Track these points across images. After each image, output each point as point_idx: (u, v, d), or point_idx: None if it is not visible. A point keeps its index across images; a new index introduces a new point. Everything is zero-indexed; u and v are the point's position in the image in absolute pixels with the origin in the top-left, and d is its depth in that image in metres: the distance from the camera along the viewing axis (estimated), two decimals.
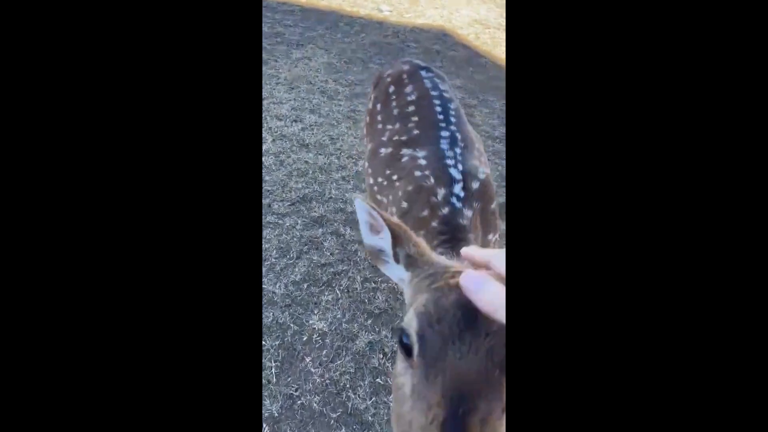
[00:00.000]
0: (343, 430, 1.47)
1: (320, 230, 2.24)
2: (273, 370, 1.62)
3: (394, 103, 1.50)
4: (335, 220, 2.31)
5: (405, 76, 1.56)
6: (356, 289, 1.95)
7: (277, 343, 1.71)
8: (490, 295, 0.40)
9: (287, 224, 2.25)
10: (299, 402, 1.53)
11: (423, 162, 1.27)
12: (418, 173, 1.25)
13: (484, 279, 0.42)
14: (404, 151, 1.33)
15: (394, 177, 1.33)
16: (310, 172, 2.64)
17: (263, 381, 1.58)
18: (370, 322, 1.82)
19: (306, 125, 3.09)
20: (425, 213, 1.18)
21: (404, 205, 1.23)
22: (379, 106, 1.57)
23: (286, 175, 2.59)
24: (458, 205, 1.18)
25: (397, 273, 0.64)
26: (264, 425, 1.45)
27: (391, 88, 1.55)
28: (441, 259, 0.61)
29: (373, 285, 1.98)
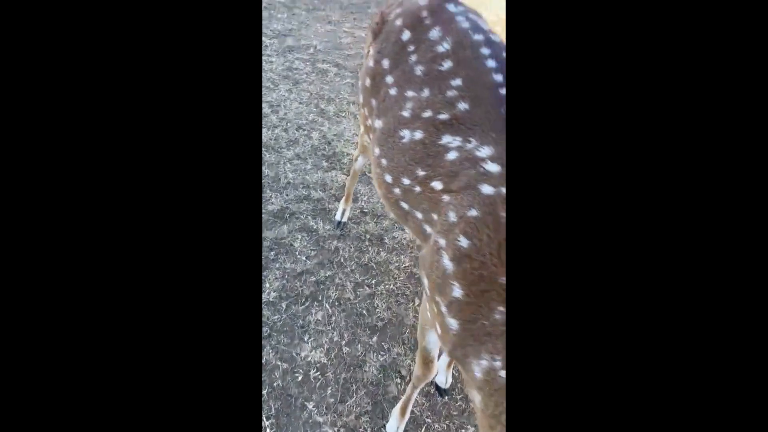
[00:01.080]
0: None
1: (285, 228, 1.78)
2: (269, 431, 1.22)
3: (413, 57, 1.03)
4: (301, 212, 1.86)
5: (425, 13, 1.07)
6: (349, 299, 1.58)
7: (265, 392, 1.30)
8: None
9: None
10: None
11: (492, 167, 0.79)
12: (488, 189, 0.77)
13: None
14: (447, 139, 0.88)
15: (437, 185, 0.87)
16: None
17: None
18: (375, 338, 1.48)
19: None
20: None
21: (462, 242, 0.76)
22: (387, 63, 1.09)
23: None
24: None
25: None
26: None
27: (406, 35, 1.07)
28: None
29: (368, 290, 1.62)
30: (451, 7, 1.08)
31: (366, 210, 1.95)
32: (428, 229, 0.94)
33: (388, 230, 1.86)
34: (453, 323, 0.77)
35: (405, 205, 1.00)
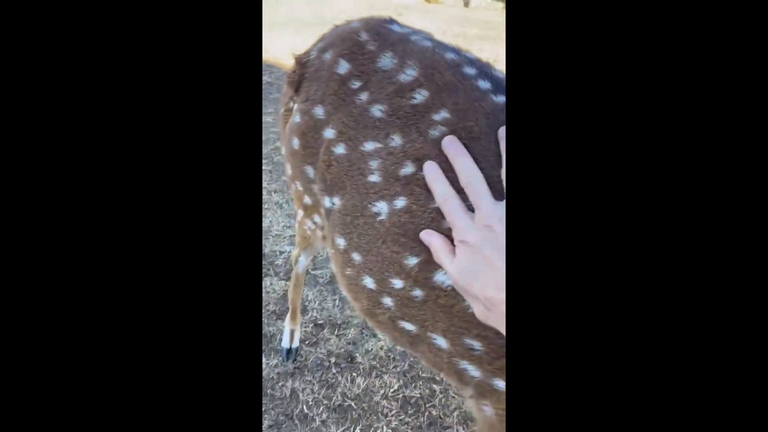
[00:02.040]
0: None
1: None
2: None
3: (363, 96, 0.68)
4: None
5: (365, 36, 0.74)
6: None
7: None
8: None
9: None
10: None
11: None
12: None
13: None
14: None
15: (445, 278, 0.55)
16: None
17: None
18: None
19: None
20: None
21: None
22: (321, 110, 0.72)
23: None
24: None
25: None
26: None
27: (343, 67, 0.72)
28: None
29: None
30: (397, 28, 0.77)
31: (320, 321, 1.46)
32: (473, 371, 0.53)
33: (356, 342, 1.39)
34: None
35: (410, 327, 0.59)
